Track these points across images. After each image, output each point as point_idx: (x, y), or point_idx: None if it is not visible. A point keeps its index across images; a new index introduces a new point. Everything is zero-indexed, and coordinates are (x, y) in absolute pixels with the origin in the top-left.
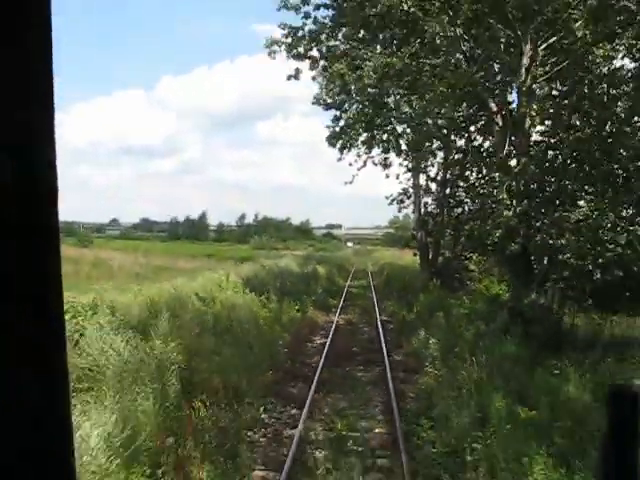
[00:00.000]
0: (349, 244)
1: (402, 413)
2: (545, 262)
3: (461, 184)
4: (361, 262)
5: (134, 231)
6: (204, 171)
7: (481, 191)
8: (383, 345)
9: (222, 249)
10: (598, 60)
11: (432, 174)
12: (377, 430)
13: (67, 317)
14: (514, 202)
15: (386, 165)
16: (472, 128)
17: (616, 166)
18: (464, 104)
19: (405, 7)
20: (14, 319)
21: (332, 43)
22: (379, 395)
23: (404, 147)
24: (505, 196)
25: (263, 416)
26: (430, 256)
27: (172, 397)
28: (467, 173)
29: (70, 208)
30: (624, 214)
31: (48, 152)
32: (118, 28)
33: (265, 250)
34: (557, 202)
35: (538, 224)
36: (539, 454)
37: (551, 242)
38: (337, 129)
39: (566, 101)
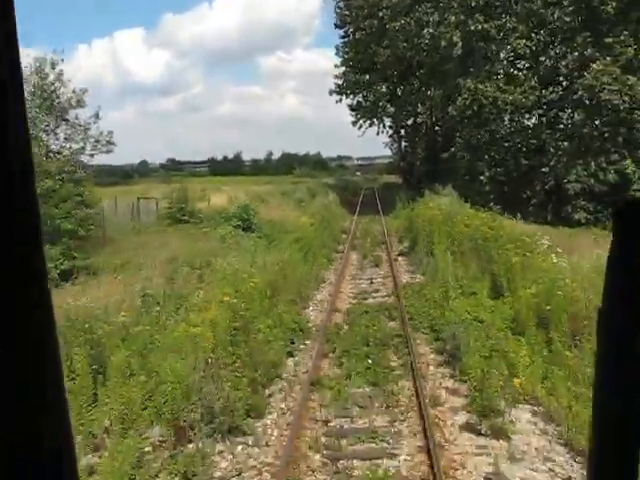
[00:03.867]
0: (358, 173)
1: (383, 208)
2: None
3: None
4: (369, 183)
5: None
6: (208, 108)
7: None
8: (378, 201)
9: (276, 178)
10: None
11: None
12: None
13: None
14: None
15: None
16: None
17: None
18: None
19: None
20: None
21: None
22: (375, 208)
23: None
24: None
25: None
26: (408, 176)
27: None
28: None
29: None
30: None
31: (19, 130)
32: None
33: (308, 177)
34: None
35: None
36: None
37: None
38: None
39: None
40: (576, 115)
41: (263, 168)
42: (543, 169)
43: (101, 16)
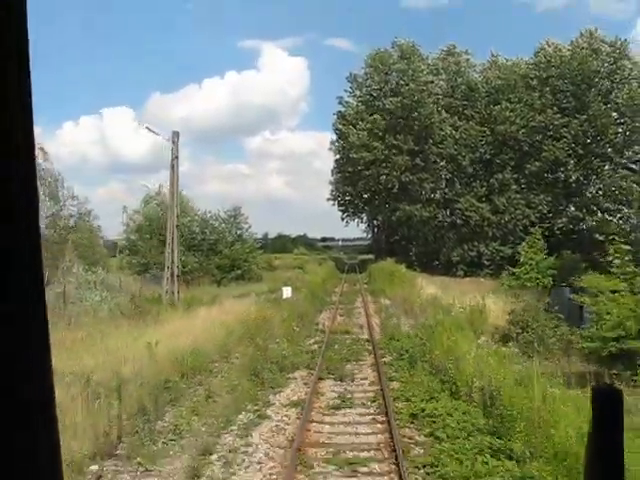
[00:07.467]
0: (341, 253)
1: (360, 271)
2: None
3: None
4: (351, 260)
5: None
6: (193, 186)
7: None
8: (357, 269)
9: (281, 255)
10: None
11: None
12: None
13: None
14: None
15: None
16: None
17: None
18: None
19: None
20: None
21: None
22: (355, 271)
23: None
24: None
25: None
26: (376, 253)
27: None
28: None
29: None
30: None
31: (26, 162)
32: (106, 47)
33: (305, 255)
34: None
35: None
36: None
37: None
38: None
39: None
40: (458, 221)
41: (262, 246)
42: (444, 248)
43: (89, 95)
